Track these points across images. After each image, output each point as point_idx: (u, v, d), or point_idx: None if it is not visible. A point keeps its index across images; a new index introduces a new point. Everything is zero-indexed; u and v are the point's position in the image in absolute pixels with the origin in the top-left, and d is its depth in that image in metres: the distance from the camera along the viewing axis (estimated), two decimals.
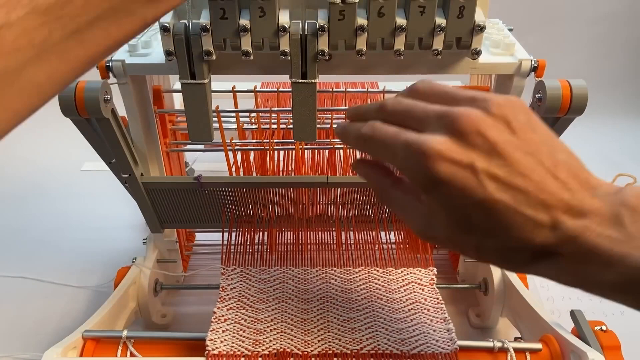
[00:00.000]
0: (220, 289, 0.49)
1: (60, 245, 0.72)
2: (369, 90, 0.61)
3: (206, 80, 0.42)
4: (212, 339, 0.44)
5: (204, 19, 0.39)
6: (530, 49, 0.46)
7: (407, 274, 0.50)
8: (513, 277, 0.54)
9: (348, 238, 0.56)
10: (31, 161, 0.91)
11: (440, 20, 0.39)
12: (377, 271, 0.51)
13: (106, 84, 0.42)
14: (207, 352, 0.43)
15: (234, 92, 0.57)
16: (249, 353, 0.43)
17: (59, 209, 0.80)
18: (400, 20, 0.39)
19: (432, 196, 0.29)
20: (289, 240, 0.56)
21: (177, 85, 0.62)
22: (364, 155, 0.39)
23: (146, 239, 0.60)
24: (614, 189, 0.28)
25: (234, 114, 0.58)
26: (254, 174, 0.61)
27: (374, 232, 0.56)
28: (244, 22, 0.39)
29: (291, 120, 0.46)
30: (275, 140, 0.59)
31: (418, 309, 0.47)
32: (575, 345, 0.43)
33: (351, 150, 0.61)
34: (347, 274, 0.51)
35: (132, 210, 0.68)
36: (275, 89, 0.61)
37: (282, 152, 0.61)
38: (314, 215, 0.57)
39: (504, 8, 0.71)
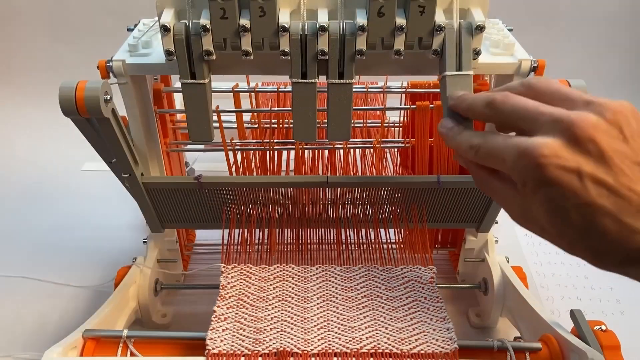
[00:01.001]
0: (221, 288, 0.49)
1: (60, 245, 0.72)
2: (369, 90, 0.61)
3: (206, 80, 0.42)
4: (212, 338, 0.44)
5: (204, 19, 0.39)
6: (530, 49, 0.46)
7: (407, 271, 0.50)
8: (513, 277, 0.54)
9: (348, 237, 0.56)
10: (31, 161, 0.91)
11: (442, 21, 0.39)
12: (377, 269, 0.51)
13: (106, 84, 0.42)
14: (207, 351, 0.43)
15: (234, 92, 0.57)
16: (249, 352, 0.43)
17: (59, 209, 0.80)
18: (400, 20, 0.39)
19: (536, 195, 0.30)
20: (289, 240, 0.56)
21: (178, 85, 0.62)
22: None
23: (146, 239, 0.60)
24: None
25: (234, 114, 0.58)
26: (254, 173, 0.61)
27: (373, 232, 0.56)
28: (244, 22, 0.39)
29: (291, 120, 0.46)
30: (275, 140, 0.59)
31: (418, 307, 0.47)
32: (575, 345, 0.43)
33: (351, 150, 0.61)
34: (348, 271, 0.51)
35: (132, 210, 0.68)
36: (276, 88, 0.61)
37: (281, 152, 0.61)
38: (314, 214, 0.57)
39: (504, 8, 0.71)
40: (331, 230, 0.57)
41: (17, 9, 1.08)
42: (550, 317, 0.48)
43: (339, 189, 0.55)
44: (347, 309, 0.47)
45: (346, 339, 0.44)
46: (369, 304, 0.47)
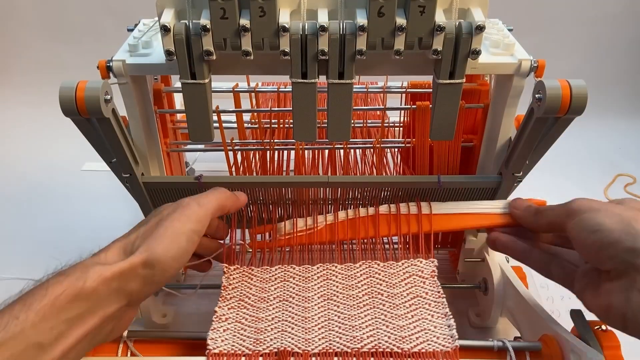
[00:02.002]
0: (222, 288, 0.49)
1: (61, 245, 0.72)
2: (369, 90, 0.61)
3: (206, 80, 0.43)
4: (213, 338, 0.44)
5: (204, 19, 0.39)
6: (530, 49, 0.46)
7: (408, 266, 0.50)
8: (513, 277, 0.54)
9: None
10: (31, 161, 0.91)
11: (442, 20, 0.39)
12: (378, 265, 0.51)
13: (107, 84, 0.42)
14: (207, 351, 0.43)
15: (234, 92, 0.57)
16: (250, 352, 0.43)
17: (59, 209, 0.80)
18: (400, 20, 0.39)
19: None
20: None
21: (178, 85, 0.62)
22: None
23: None
24: None
25: (234, 114, 0.58)
26: (255, 174, 0.61)
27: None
28: (244, 22, 0.39)
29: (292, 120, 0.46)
30: (275, 140, 0.59)
31: (419, 304, 0.47)
32: (575, 345, 0.43)
33: (351, 150, 0.61)
34: (349, 269, 0.51)
35: (132, 210, 0.68)
36: (276, 88, 0.61)
37: (281, 152, 0.61)
38: (315, 214, 0.57)
39: (504, 8, 0.71)
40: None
41: (17, 9, 1.08)
42: (550, 317, 0.48)
43: (339, 189, 0.55)
44: (348, 308, 0.47)
45: (347, 338, 0.44)
46: (370, 302, 0.47)
